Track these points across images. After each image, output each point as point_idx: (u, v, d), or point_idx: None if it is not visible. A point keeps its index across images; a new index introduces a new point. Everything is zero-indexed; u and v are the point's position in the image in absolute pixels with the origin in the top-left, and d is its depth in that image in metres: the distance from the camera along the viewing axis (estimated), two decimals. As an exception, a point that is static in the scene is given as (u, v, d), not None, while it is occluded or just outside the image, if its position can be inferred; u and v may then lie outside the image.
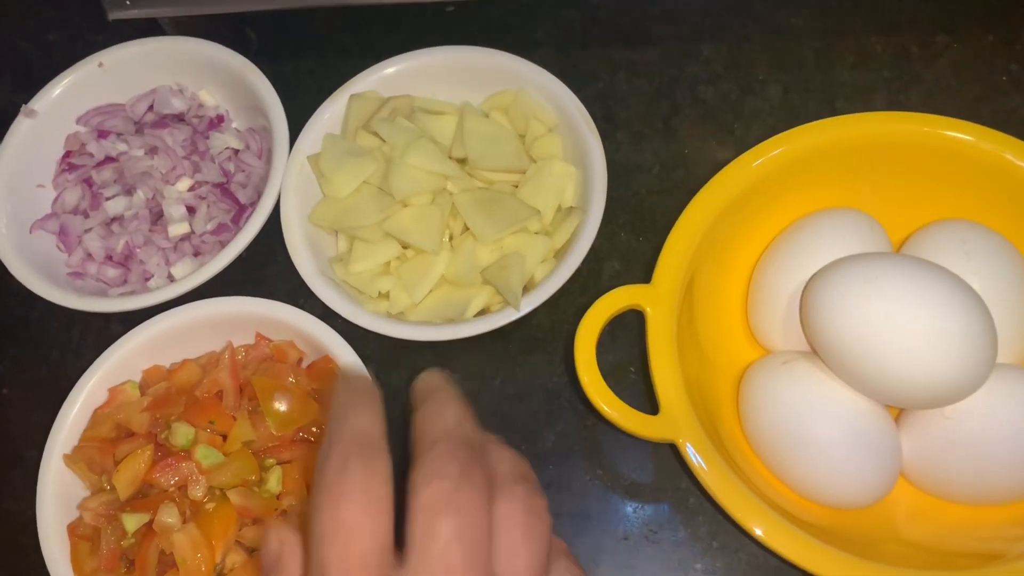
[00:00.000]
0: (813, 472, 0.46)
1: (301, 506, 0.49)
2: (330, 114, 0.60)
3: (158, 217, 0.60)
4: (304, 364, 0.55)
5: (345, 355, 0.52)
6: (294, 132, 0.60)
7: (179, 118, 0.63)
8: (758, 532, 0.43)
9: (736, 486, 0.44)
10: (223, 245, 0.57)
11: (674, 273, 0.48)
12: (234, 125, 0.64)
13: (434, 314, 0.55)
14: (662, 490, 0.53)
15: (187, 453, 0.50)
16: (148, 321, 0.54)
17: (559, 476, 0.54)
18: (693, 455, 0.45)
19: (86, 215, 0.60)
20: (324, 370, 0.52)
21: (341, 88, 0.61)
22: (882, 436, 0.46)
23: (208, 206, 0.60)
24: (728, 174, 0.50)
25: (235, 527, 0.49)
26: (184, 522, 0.48)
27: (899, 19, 0.63)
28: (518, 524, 0.28)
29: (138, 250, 0.59)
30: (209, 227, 0.59)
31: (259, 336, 0.54)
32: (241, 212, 0.60)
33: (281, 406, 0.50)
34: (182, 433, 0.50)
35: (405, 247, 0.56)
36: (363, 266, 0.56)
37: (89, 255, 0.59)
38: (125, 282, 0.59)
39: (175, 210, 0.59)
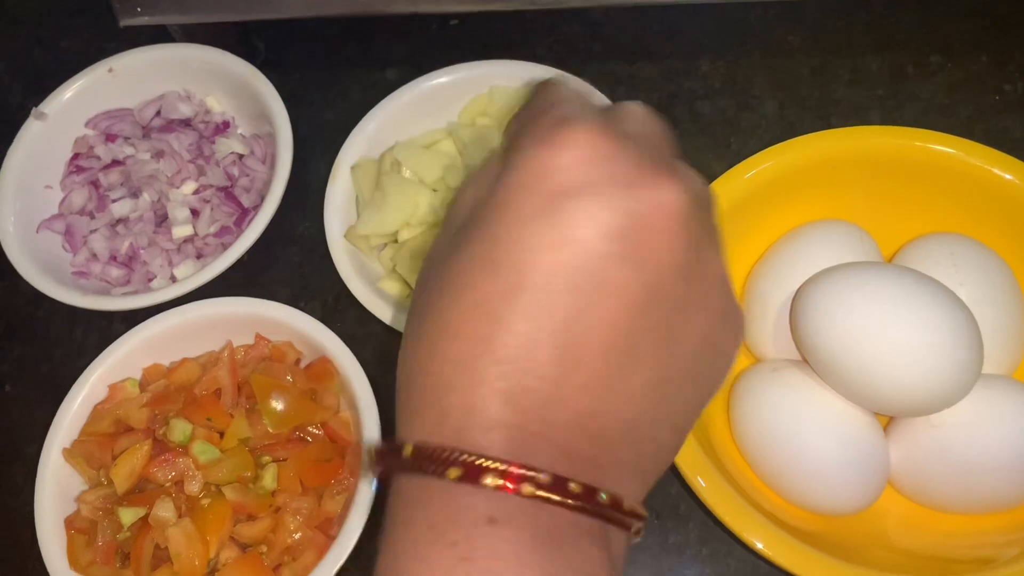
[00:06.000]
0: (802, 479, 0.47)
1: (295, 503, 0.50)
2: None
3: (162, 219, 0.61)
4: (302, 365, 0.55)
5: (343, 356, 0.53)
6: (298, 139, 0.61)
7: (186, 123, 0.64)
8: (759, 546, 0.43)
9: (731, 496, 0.44)
10: (225, 247, 0.58)
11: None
12: (239, 131, 0.65)
13: None
14: (651, 496, 0.53)
15: (184, 449, 0.50)
16: (149, 320, 0.55)
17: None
18: (690, 471, 0.45)
19: (92, 216, 0.62)
20: (322, 371, 0.53)
21: (335, 165, 0.60)
22: (870, 444, 0.47)
23: (212, 209, 0.61)
24: (723, 184, 0.51)
25: (229, 523, 0.49)
26: (180, 517, 0.49)
27: (895, 38, 0.65)
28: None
29: (142, 251, 0.60)
30: (212, 229, 0.60)
31: (258, 336, 0.55)
32: (244, 215, 0.61)
33: (278, 405, 0.51)
34: (180, 429, 0.51)
35: None
36: None
37: (94, 255, 0.60)
38: (128, 282, 0.60)
39: (179, 212, 0.60)
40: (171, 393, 0.53)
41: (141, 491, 0.51)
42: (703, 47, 0.66)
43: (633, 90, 0.65)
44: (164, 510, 0.49)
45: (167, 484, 0.50)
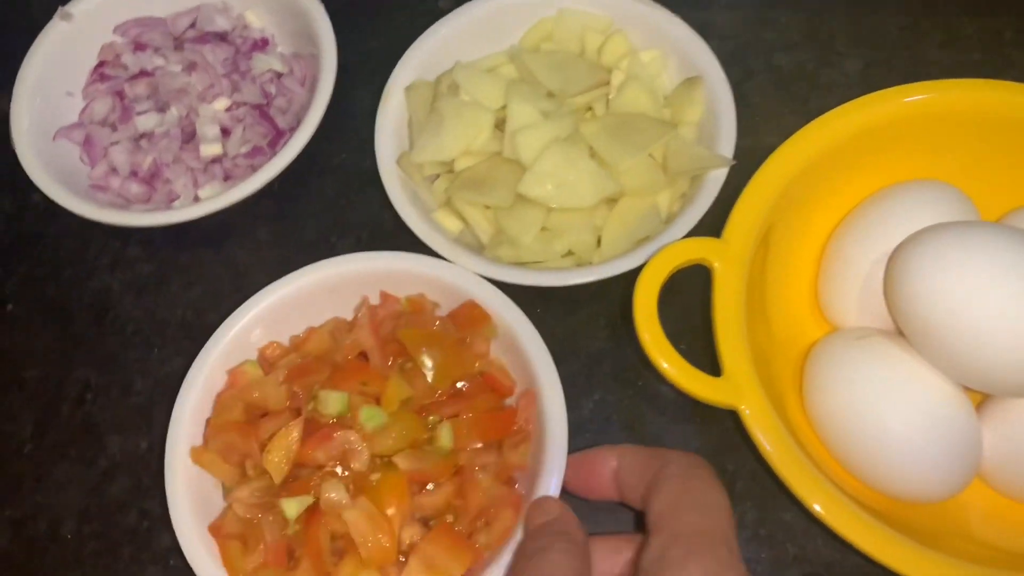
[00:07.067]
0: (881, 459, 0.42)
1: (480, 459, 0.44)
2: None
3: (190, 138, 0.56)
4: (438, 314, 0.49)
5: (494, 298, 0.46)
6: (339, 66, 0.56)
7: (221, 37, 0.59)
8: (817, 508, 0.39)
9: (798, 459, 0.40)
10: (255, 171, 0.53)
11: (747, 229, 0.44)
12: (279, 50, 0.60)
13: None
14: (706, 472, 0.49)
15: (339, 422, 0.44)
16: (258, 295, 0.48)
17: (594, 447, 0.50)
18: (754, 424, 0.40)
19: (114, 128, 0.57)
20: (470, 316, 0.47)
21: (387, 86, 0.55)
22: (963, 427, 0.42)
23: (244, 129, 0.56)
24: (810, 132, 0.47)
25: (409, 496, 0.42)
26: (353, 498, 0.42)
27: (993, 1, 0.60)
28: None
29: (166, 168, 0.55)
30: (243, 150, 0.56)
31: (384, 294, 0.49)
32: (278, 137, 0.56)
33: (435, 358, 0.45)
34: (334, 400, 0.43)
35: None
36: (529, 236, 0.50)
37: (114, 169, 0.56)
38: (148, 200, 0.56)
39: (209, 129, 0.55)
40: (310, 365, 0.46)
41: (295, 479, 0.43)
42: (783, -4, 0.61)
43: (706, 38, 0.60)
44: (335, 492, 0.42)
45: (329, 465, 0.43)
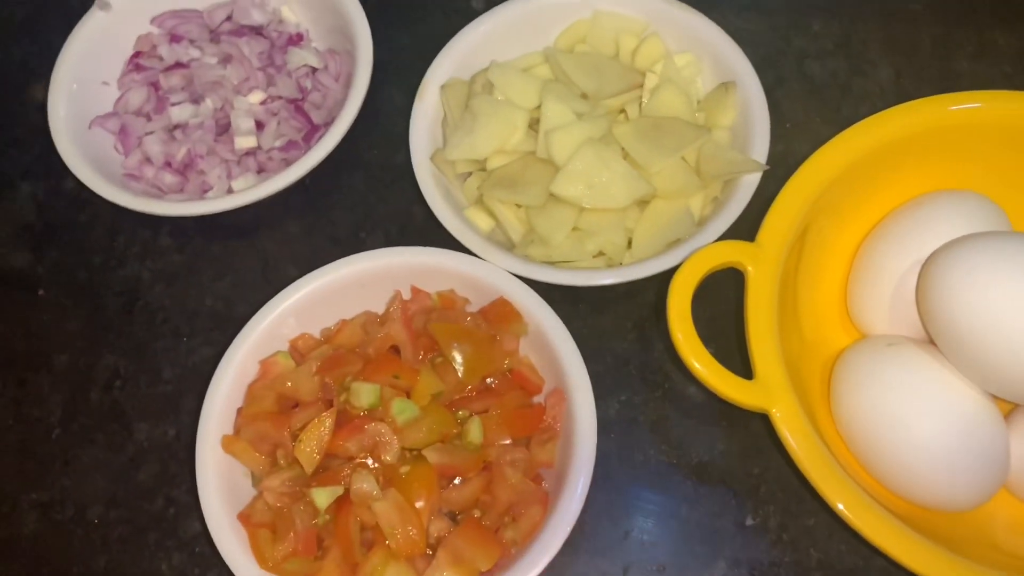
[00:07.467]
0: (909, 467, 0.42)
1: (510, 454, 0.44)
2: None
3: (224, 129, 0.57)
4: (469, 310, 0.49)
5: (526, 297, 0.47)
6: (373, 62, 0.56)
7: (257, 31, 0.59)
8: (841, 507, 0.39)
9: (828, 461, 0.40)
10: (289, 164, 0.54)
11: (781, 234, 0.44)
12: (313, 45, 0.61)
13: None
14: (731, 474, 0.49)
15: (370, 414, 0.44)
16: (291, 286, 0.48)
17: (620, 447, 0.50)
18: (784, 427, 0.41)
19: (149, 118, 0.57)
20: (501, 313, 0.47)
21: (423, 84, 0.55)
22: (992, 437, 0.42)
23: (279, 122, 0.56)
24: (845, 139, 0.47)
25: (437, 489, 0.43)
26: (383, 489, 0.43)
27: (1026, 14, 0.60)
28: None
29: (200, 159, 0.56)
30: (278, 143, 0.56)
31: (415, 289, 0.49)
32: (313, 132, 0.56)
33: (466, 353, 0.45)
34: (367, 392, 0.44)
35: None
36: (560, 235, 0.50)
37: (147, 159, 0.56)
38: (182, 191, 0.56)
39: (243, 122, 0.56)
40: (343, 356, 0.46)
41: (326, 469, 0.44)
42: (816, 5, 0.62)
43: (740, 43, 0.60)
44: (365, 483, 0.42)
45: (359, 456, 0.43)
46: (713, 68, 0.55)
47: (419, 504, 0.42)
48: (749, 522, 0.48)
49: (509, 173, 0.51)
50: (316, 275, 0.48)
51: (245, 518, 0.44)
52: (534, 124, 0.53)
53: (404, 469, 0.43)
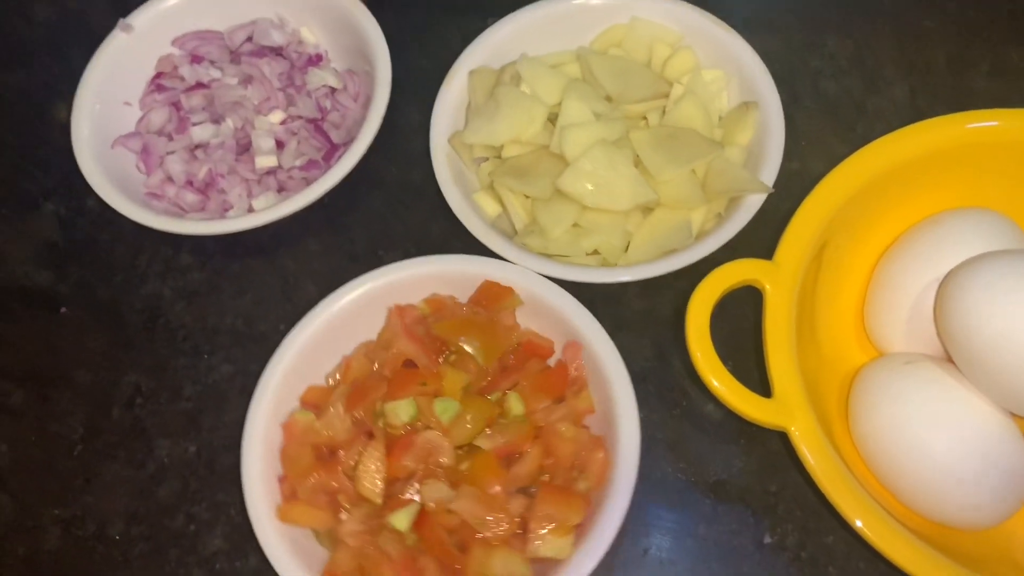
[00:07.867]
0: (928, 485, 0.42)
1: (555, 414, 0.45)
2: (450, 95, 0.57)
3: (245, 149, 0.58)
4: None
5: (512, 271, 0.48)
6: (392, 80, 0.57)
7: (276, 52, 0.60)
8: (858, 524, 0.40)
9: (847, 479, 0.40)
10: (309, 183, 0.54)
11: (799, 252, 0.45)
12: (332, 65, 0.61)
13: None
14: (749, 492, 0.49)
15: (412, 427, 0.44)
16: (279, 350, 0.48)
17: (638, 466, 0.50)
18: (803, 445, 0.41)
19: (170, 138, 0.58)
20: (492, 294, 0.48)
21: (453, 68, 0.57)
22: (1012, 455, 0.42)
23: (299, 142, 0.57)
24: (863, 157, 0.47)
25: (503, 471, 0.43)
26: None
27: (1041, 32, 0.60)
28: None
29: (221, 179, 0.56)
30: (298, 163, 0.57)
31: (399, 307, 0.49)
32: (332, 151, 0.57)
33: (475, 340, 0.47)
34: (403, 408, 0.44)
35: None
36: (559, 229, 0.51)
37: (169, 178, 0.57)
38: (203, 209, 0.57)
39: (264, 142, 0.56)
40: (366, 385, 0.46)
41: (390, 496, 0.44)
42: (830, 23, 0.62)
43: (753, 61, 0.61)
44: (437, 491, 0.43)
45: (419, 469, 0.44)
46: (739, 86, 0.56)
47: (494, 489, 0.43)
48: (767, 540, 0.48)
49: (522, 163, 0.52)
50: (298, 329, 0.48)
51: (332, 574, 0.43)
52: (553, 119, 0.54)
53: (464, 466, 0.44)
